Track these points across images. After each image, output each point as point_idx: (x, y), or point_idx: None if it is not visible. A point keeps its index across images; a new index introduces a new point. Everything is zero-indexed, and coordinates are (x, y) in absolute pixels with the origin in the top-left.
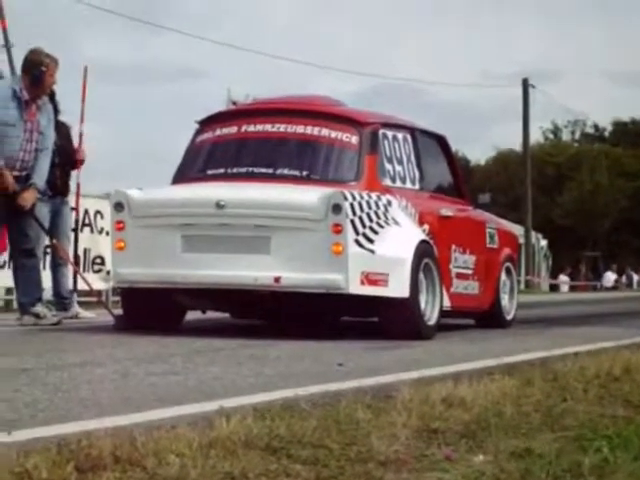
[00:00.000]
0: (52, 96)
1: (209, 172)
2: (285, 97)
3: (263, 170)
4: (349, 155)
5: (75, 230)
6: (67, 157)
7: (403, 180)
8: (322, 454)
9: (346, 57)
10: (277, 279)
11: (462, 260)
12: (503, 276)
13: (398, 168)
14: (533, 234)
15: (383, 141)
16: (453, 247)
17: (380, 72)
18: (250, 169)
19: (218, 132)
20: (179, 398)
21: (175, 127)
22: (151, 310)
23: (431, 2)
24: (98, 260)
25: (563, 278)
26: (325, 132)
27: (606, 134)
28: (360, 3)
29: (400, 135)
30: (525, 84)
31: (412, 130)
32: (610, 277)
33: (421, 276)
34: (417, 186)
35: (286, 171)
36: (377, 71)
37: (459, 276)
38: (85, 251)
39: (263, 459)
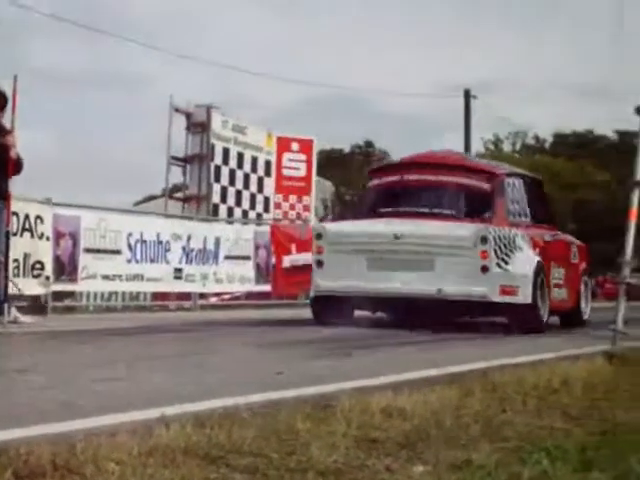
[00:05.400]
0: None
1: (381, 210)
2: (430, 153)
3: (422, 210)
4: (485, 198)
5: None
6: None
7: (520, 216)
8: (261, 463)
9: (297, 65)
10: (439, 290)
11: (557, 273)
12: (582, 284)
13: (516, 207)
14: None
15: (507, 187)
16: (552, 264)
17: (329, 81)
18: (412, 209)
19: (385, 180)
20: (120, 405)
21: (118, 133)
22: (333, 310)
23: (383, 12)
24: (38, 265)
25: None
26: (466, 181)
27: (547, 146)
28: (310, 12)
29: (516, 181)
30: (467, 95)
31: (522, 176)
32: None
33: (538, 287)
34: (528, 219)
35: (439, 210)
36: (326, 80)
37: (556, 285)
38: (25, 256)
39: (202, 468)
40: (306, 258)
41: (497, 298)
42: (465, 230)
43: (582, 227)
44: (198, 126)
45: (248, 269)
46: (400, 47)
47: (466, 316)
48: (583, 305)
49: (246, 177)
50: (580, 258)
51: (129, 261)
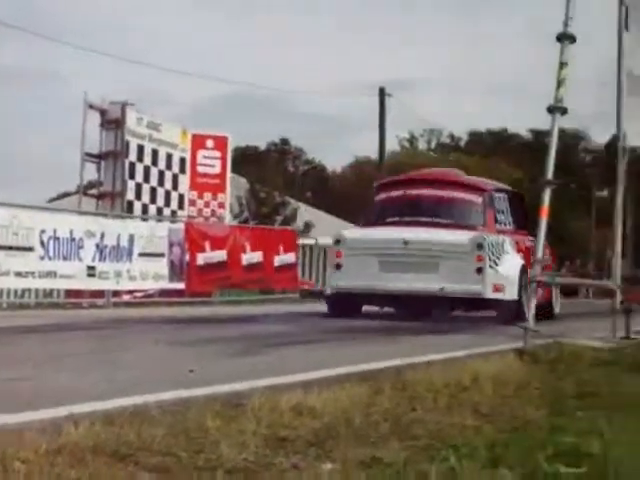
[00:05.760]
0: None
1: (389, 220)
2: (430, 170)
3: (424, 219)
4: (477, 210)
5: None
6: None
7: (505, 224)
8: (170, 462)
9: (215, 63)
10: (442, 289)
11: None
12: None
13: (502, 217)
14: None
15: (495, 200)
16: (524, 265)
17: (246, 79)
18: (416, 218)
19: (390, 194)
20: (29, 404)
21: (32, 130)
22: (345, 306)
23: (303, 11)
24: None
25: None
26: (461, 195)
27: (462, 144)
28: (227, 11)
29: (501, 195)
30: (382, 93)
31: (506, 191)
32: None
33: (522, 285)
34: (512, 227)
35: (439, 220)
36: (243, 78)
37: None
38: None
39: (110, 466)
40: (220, 255)
41: (490, 295)
42: (464, 237)
43: None
44: (112, 123)
45: (162, 266)
46: (317, 46)
47: (462, 310)
48: (554, 300)
49: (161, 174)
50: (551, 259)
51: (42, 258)
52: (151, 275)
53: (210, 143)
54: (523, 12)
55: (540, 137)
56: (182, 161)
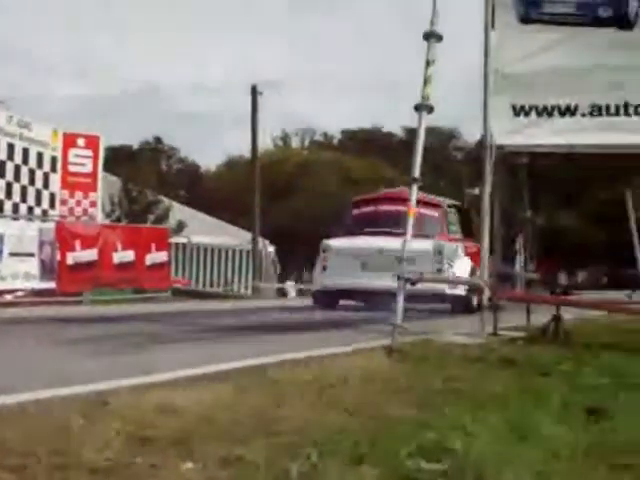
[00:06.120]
0: None
1: (366, 230)
2: (398, 190)
3: (394, 230)
4: (435, 222)
5: None
6: None
7: (456, 233)
8: (31, 462)
9: (85, 61)
10: (412, 284)
11: (479, 272)
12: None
13: (454, 227)
14: (261, 240)
15: (448, 214)
16: (473, 266)
17: (120, 78)
18: (387, 229)
19: (365, 209)
20: None
21: None
22: (327, 300)
23: (159, 8)
24: None
25: (290, 284)
26: (423, 210)
27: (335, 142)
28: (97, 5)
29: (453, 209)
30: (254, 91)
31: (455, 205)
32: None
33: None
34: (460, 236)
35: (402, 230)
36: (117, 77)
37: None
38: None
39: None
40: (91, 254)
41: (447, 291)
42: (427, 245)
43: None
44: None
45: (32, 266)
46: (190, 45)
47: (424, 303)
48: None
49: (32, 173)
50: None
51: None
52: (21, 275)
53: (82, 142)
54: (398, 7)
55: (414, 135)
56: (53, 160)
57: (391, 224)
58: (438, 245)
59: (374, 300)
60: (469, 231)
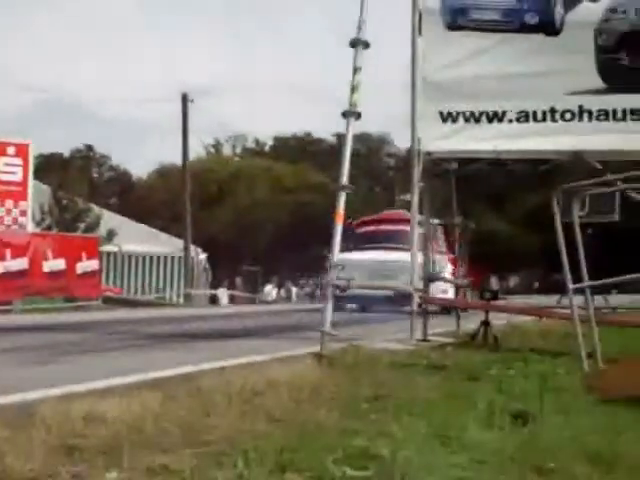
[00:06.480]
0: None
1: (366, 246)
2: (395, 212)
3: (389, 245)
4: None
5: None
6: None
7: (440, 246)
8: None
9: (24, 70)
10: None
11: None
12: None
13: (440, 242)
14: (193, 248)
15: (435, 231)
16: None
17: (51, 87)
18: (383, 244)
19: (367, 228)
20: None
21: None
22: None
23: (110, 18)
24: None
25: (222, 290)
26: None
27: (267, 149)
28: (25, 14)
29: (439, 227)
30: (184, 99)
31: (440, 224)
32: (270, 291)
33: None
34: (444, 249)
35: (400, 245)
36: (48, 86)
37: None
38: None
39: None
40: (21, 263)
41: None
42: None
43: (299, 229)
44: None
45: None
46: (126, 54)
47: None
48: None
49: None
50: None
51: None
52: None
53: (11, 150)
54: (329, 13)
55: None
56: None
57: (388, 240)
58: (428, 257)
59: (371, 304)
60: (450, 245)
